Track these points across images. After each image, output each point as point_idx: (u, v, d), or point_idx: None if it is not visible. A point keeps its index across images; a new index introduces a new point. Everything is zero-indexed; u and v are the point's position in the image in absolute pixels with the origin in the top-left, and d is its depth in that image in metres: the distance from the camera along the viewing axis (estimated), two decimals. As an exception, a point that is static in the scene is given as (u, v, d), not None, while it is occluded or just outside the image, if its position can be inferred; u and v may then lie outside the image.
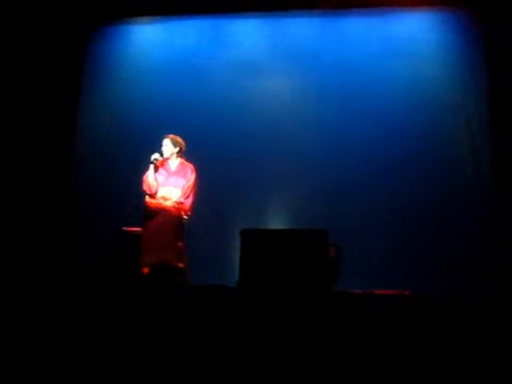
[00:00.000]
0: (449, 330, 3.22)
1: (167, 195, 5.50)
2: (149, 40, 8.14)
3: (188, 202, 5.55)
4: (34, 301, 3.71)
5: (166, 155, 5.67)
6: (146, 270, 5.15)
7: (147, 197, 5.51)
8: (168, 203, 5.41)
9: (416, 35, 7.30)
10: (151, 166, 5.58)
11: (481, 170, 6.71)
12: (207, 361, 3.21)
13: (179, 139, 5.72)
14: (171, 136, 5.71)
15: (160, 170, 5.64)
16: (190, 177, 5.64)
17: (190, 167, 5.70)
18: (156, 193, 5.53)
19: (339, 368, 3.11)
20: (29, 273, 5.14)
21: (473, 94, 6.97)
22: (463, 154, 6.82)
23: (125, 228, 5.74)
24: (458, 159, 6.83)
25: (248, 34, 7.82)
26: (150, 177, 5.55)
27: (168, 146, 5.67)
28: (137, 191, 5.73)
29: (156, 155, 5.60)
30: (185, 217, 5.51)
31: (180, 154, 5.74)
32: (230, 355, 3.23)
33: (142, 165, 5.72)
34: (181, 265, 5.33)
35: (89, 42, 8.13)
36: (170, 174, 5.64)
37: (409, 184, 6.78)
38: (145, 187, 5.56)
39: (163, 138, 5.71)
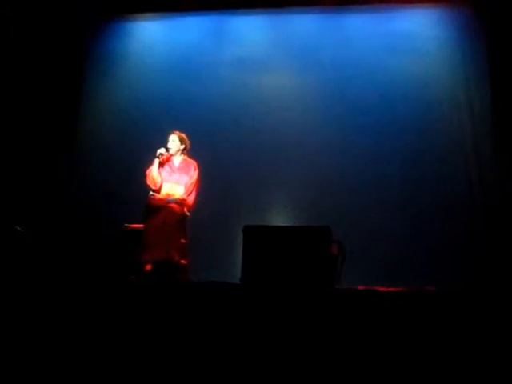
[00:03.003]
0: (451, 326, 3.21)
1: (171, 191, 5.51)
2: (151, 37, 8.12)
3: (191, 199, 5.56)
4: (34, 298, 3.70)
5: (171, 151, 5.68)
6: (148, 267, 5.15)
7: (150, 192, 5.51)
8: (171, 199, 5.40)
9: (418, 32, 7.28)
10: (156, 161, 5.59)
11: (483, 166, 6.69)
12: (210, 358, 3.20)
13: (186, 137, 5.74)
14: (178, 133, 5.73)
15: (164, 165, 5.65)
16: (193, 173, 5.65)
17: (193, 164, 5.71)
18: (160, 188, 5.54)
19: (342, 364, 3.09)
20: (30, 270, 5.13)
21: (475, 90, 6.96)
22: (466, 149, 6.81)
23: (126, 224, 5.73)
24: (460, 155, 6.81)
25: (250, 31, 7.80)
26: (154, 171, 5.56)
27: (175, 142, 5.69)
28: (139, 187, 5.74)
29: (162, 150, 5.61)
30: (187, 213, 5.51)
31: (185, 151, 5.75)
32: (232, 352, 3.22)
33: (145, 161, 5.73)
34: (183, 261, 5.34)
35: (91, 38, 8.10)
36: (173, 170, 5.65)
37: (412, 180, 6.76)
38: (149, 182, 5.58)
39: (170, 134, 5.72)
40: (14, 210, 6.52)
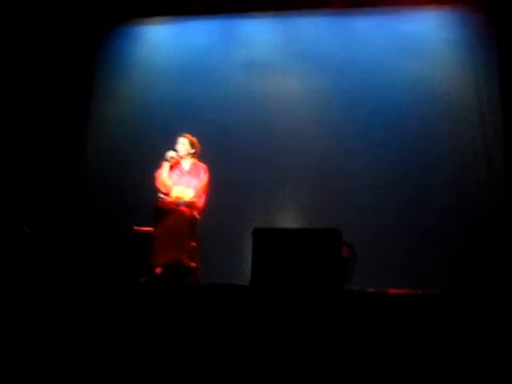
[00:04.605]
0: (461, 328, 3.19)
1: (180, 194, 5.51)
2: (160, 41, 8.15)
3: (201, 202, 5.56)
4: (44, 300, 3.71)
5: (181, 154, 5.67)
6: (158, 270, 5.15)
7: (160, 195, 5.52)
8: (181, 203, 5.40)
9: (428, 34, 7.26)
10: (166, 164, 5.58)
11: (494, 168, 6.67)
12: (221, 360, 3.20)
13: (196, 141, 5.74)
14: (189, 136, 5.73)
15: (173, 169, 5.65)
16: (203, 177, 5.65)
17: (203, 168, 5.71)
18: (170, 191, 5.53)
19: (351, 366, 3.09)
20: (39, 272, 5.16)
21: (485, 92, 6.93)
22: (476, 150, 6.78)
23: (136, 227, 5.74)
24: (471, 159, 6.78)
25: (259, 35, 7.81)
26: (164, 175, 5.55)
27: (185, 146, 5.69)
28: (149, 190, 5.75)
29: (172, 153, 5.61)
30: (197, 216, 5.51)
31: (195, 155, 5.75)
32: (242, 354, 3.21)
33: (155, 163, 5.74)
34: (193, 264, 5.34)
35: (100, 42, 8.15)
36: (183, 173, 5.65)
37: (422, 180, 6.75)
38: (158, 185, 5.57)
39: (180, 137, 5.72)
40: (23, 212, 6.54)
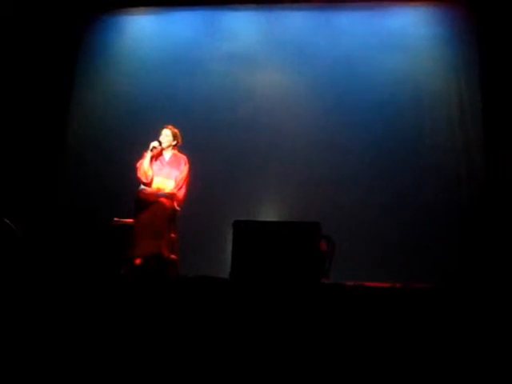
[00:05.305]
0: (439, 322, 3.23)
1: (161, 185, 5.51)
2: (143, 31, 8.09)
3: (181, 193, 5.56)
4: (23, 292, 3.70)
5: (164, 145, 5.67)
6: (138, 261, 5.15)
7: (140, 186, 5.51)
8: (161, 194, 5.41)
9: (410, 29, 7.31)
10: (148, 154, 5.57)
11: (474, 163, 6.73)
12: (199, 352, 3.21)
13: (178, 133, 5.74)
14: (172, 127, 5.72)
15: (155, 159, 5.64)
16: (184, 168, 5.65)
17: (183, 158, 5.71)
18: (151, 181, 5.53)
19: (330, 360, 3.11)
20: (19, 264, 5.12)
21: (465, 87, 7.00)
22: (457, 147, 6.85)
23: (117, 219, 5.73)
24: (451, 152, 6.85)
25: (243, 27, 7.80)
26: (146, 165, 5.54)
27: (168, 137, 5.69)
28: (130, 182, 5.74)
29: (155, 143, 5.60)
30: (178, 208, 5.52)
31: (176, 147, 5.75)
32: (221, 346, 3.23)
33: (136, 155, 5.72)
34: (173, 256, 5.35)
35: (82, 32, 8.06)
36: (163, 164, 5.65)
37: (402, 176, 6.79)
38: (139, 174, 5.55)
39: (164, 128, 5.71)
40: (4, 204, 6.49)
